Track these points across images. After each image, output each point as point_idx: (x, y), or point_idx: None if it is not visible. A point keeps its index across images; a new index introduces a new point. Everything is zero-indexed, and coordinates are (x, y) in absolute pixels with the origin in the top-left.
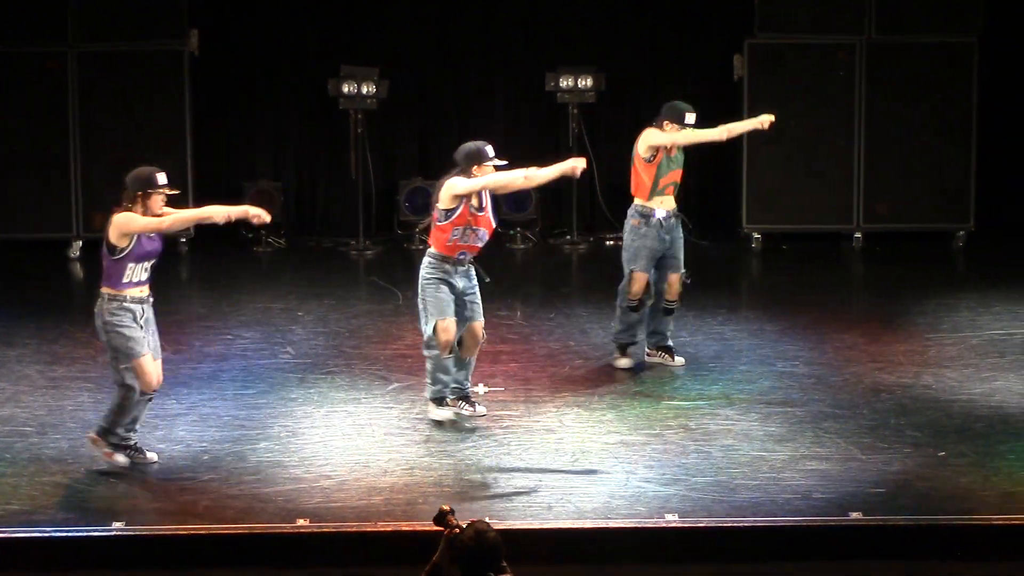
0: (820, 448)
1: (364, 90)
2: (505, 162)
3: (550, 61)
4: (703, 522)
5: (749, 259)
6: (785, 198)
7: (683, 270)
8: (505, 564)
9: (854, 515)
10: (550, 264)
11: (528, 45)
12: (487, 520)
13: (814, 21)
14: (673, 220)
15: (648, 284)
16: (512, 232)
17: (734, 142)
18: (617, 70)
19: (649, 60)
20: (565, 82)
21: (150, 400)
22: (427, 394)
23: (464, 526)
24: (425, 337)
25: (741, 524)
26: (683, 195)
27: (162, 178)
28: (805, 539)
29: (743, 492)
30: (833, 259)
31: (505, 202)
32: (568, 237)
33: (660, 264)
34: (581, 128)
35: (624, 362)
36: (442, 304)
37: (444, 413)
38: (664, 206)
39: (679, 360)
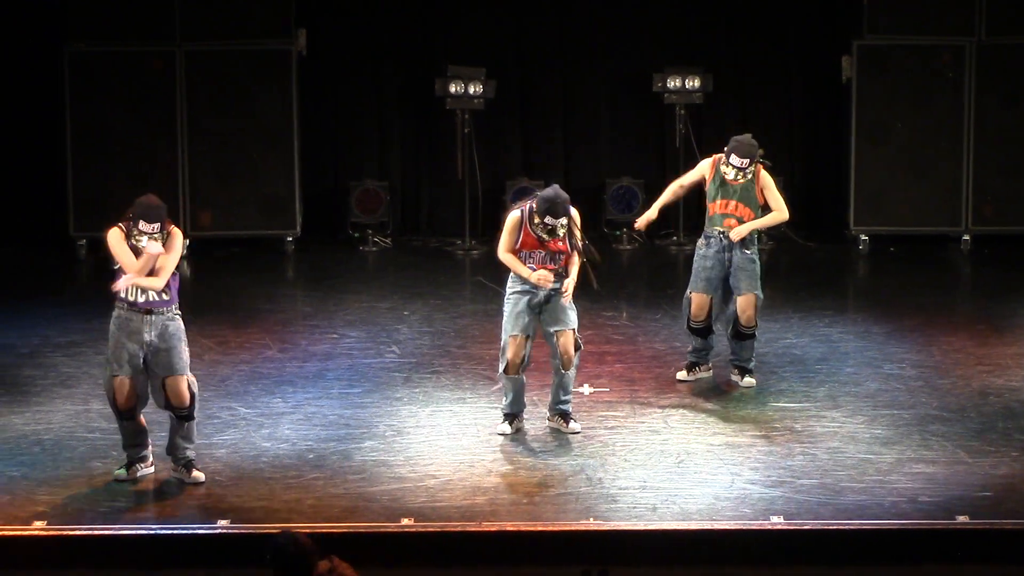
0: (927, 451)
1: (471, 90)
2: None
3: (657, 62)
4: (808, 524)
5: (856, 261)
6: (892, 200)
7: (757, 292)
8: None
9: (961, 519)
10: (656, 265)
11: (635, 45)
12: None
13: (924, 22)
14: (733, 240)
15: (710, 307)
16: (618, 232)
17: (843, 144)
18: (725, 71)
19: (757, 61)
20: (672, 83)
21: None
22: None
23: None
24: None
25: (847, 527)
26: (791, 197)
27: (145, 225)
28: (911, 542)
29: (849, 495)
30: (941, 261)
31: (612, 203)
32: (674, 238)
33: (724, 287)
34: (688, 129)
35: (682, 374)
36: (515, 319)
37: (504, 427)
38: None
39: (748, 381)
